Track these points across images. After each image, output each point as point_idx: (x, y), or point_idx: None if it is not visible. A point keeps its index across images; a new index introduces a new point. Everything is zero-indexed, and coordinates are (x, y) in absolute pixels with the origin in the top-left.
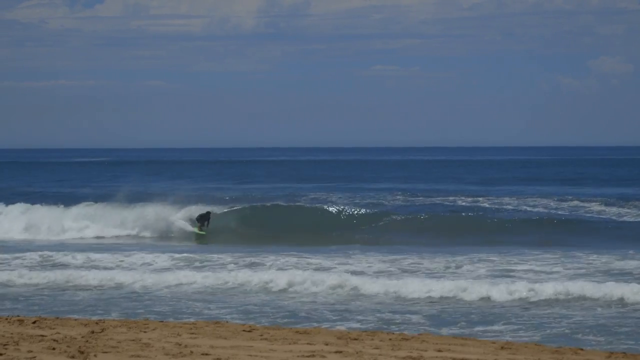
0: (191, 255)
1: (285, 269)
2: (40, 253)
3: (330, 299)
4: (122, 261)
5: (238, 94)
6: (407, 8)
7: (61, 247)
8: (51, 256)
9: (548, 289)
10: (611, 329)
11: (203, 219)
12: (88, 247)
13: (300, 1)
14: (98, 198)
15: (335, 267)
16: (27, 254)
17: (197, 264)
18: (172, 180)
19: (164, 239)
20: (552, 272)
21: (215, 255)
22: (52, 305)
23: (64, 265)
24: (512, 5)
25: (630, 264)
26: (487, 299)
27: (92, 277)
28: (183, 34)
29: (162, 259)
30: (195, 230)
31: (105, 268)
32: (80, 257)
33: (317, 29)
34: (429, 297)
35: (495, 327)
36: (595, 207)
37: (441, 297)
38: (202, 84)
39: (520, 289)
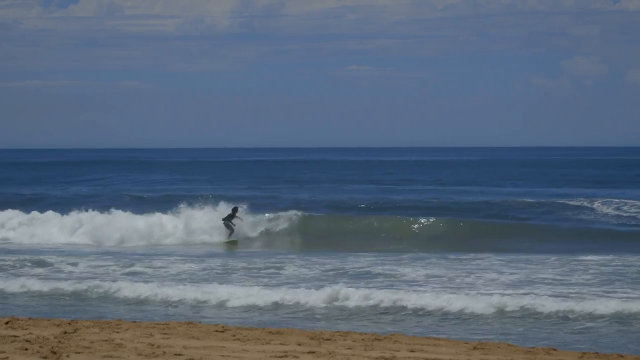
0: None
1: None
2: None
3: None
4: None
5: (212, 94)
6: (381, 9)
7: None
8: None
9: None
10: None
11: (230, 218)
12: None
13: (275, 1)
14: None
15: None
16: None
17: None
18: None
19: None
20: None
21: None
22: None
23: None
24: (486, 6)
25: None
26: None
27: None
28: (157, 34)
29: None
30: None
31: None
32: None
33: (292, 29)
34: None
35: None
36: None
37: None
38: (176, 84)
39: None
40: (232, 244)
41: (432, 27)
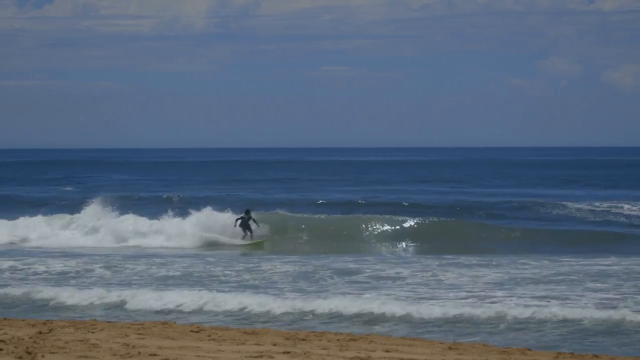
0: None
1: None
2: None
3: None
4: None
5: (188, 94)
6: (357, 9)
7: None
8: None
9: None
10: None
11: (243, 221)
12: None
13: (250, 2)
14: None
15: None
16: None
17: None
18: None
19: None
20: None
21: None
22: None
23: None
24: (462, 6)
25: None
26: None
27: None
28: (133, 34)
29: None
30: (245, 240)
31: None
32: None
33: (267, 29)
34: None
35: None
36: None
37: None
38: (151, 84)
39: None
40: (256, 245)
41: (407, 27)
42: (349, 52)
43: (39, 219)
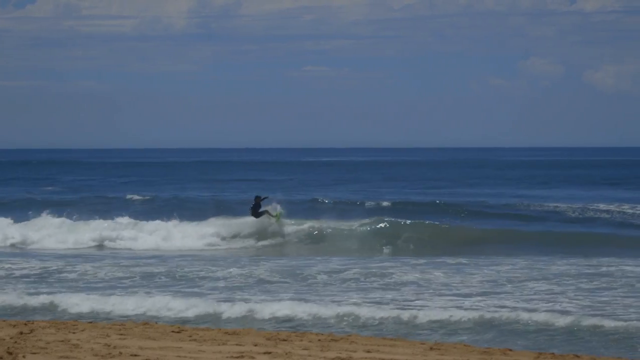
0: None
1: None
2: None
3: None
4: None
5: (170, 94)
6: (338, 9)
7: None
8: None
9: None
10: None
11: (256, 208)
12: None
13: (232, 2)
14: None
15: None
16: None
17: None
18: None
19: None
20: None
21: None
22: None
23: None
24: (443, 7)
25: None
26: None
27: None
28: (115, 35)
29: None
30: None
31: None
32: None
33: (248, 29)
34: None
35: None
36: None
37: None
38: (133, 84)
39: None
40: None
41: (388, 27)
42: (331, 53)
43: None
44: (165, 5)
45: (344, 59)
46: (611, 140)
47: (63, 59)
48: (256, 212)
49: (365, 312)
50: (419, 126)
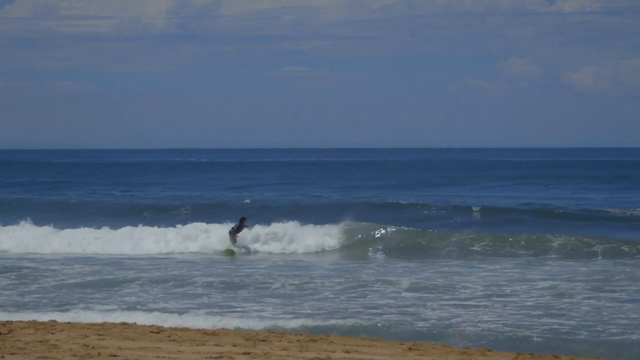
0: None
1: None
2: None
3: None
4: None
5: (148, 94)
6: (317, 9)
7: None
8: None
9: None
10: None
11: (238, 230)
12: None
13: (211, 2)
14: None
15: None
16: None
17: None
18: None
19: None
20: None
21: None
22: None
23: None
24: (422, 7)
25: None
26: None
27: None
28: (93, 35)
29: None
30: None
31: None
32: None
33: (228, 30)
34: None
35: None
36: None
37: None
38: (111, 84)
39: None
40: (230, 253)
41: (367, 27)
42: (310, 53)
43: None
44: (144, 5)
45: (323, 60)
46: (590, 141)
47: (41, 59)
48: (234, 233)
49: None
50: (397, 126)
